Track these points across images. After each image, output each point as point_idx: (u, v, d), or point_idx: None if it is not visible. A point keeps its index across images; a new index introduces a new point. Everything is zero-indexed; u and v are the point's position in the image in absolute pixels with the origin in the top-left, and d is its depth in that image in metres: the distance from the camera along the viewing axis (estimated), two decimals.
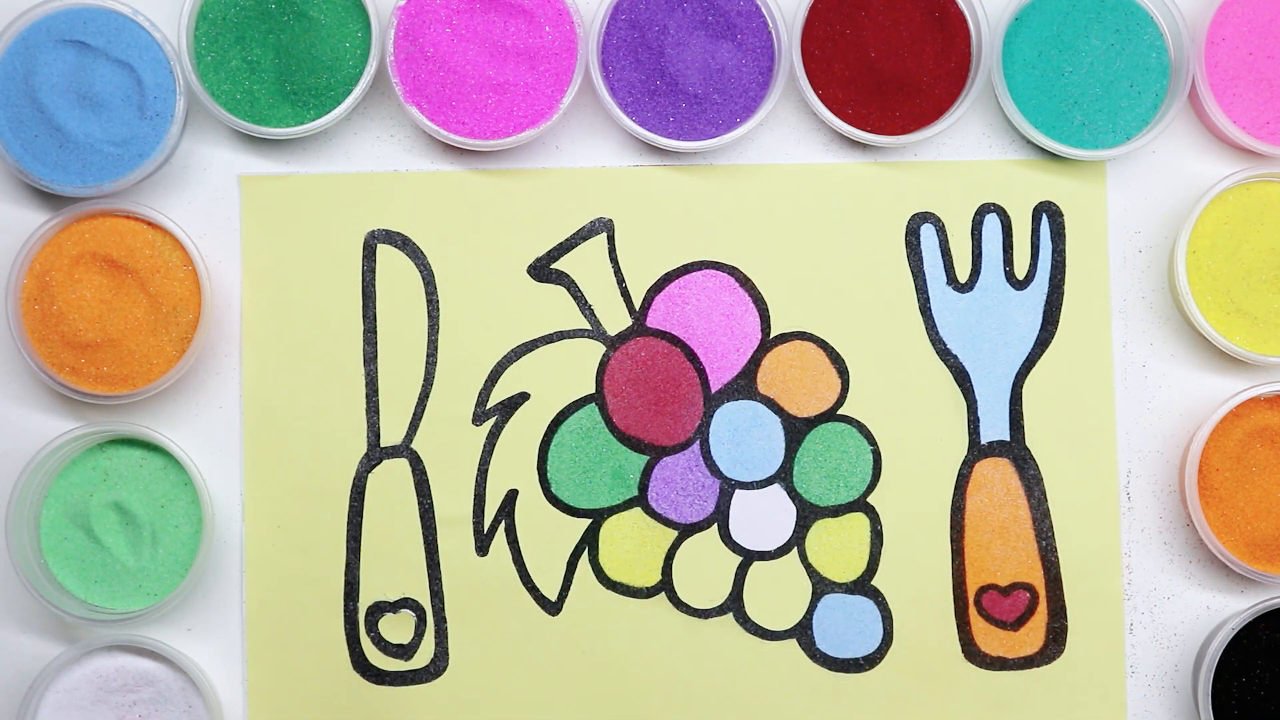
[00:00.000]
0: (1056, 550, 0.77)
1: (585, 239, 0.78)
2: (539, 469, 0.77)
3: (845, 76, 0.76)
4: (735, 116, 0.76)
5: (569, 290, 0.77)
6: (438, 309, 0.77)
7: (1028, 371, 0.77)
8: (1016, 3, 0.76)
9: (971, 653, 0.77)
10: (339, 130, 0.78)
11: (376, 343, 0.77)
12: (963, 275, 0.78)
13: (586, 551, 0.77)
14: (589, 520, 0.77)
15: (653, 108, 0.76)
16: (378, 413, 0.77)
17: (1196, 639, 0.77)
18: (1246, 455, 0.76)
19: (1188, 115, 0.79)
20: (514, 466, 0.77)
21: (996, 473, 0.77)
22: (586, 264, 0.78)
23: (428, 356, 0.77)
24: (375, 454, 0.77)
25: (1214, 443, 0.76)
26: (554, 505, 0.77)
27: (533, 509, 0.77)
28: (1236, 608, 0.77)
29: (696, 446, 0.77)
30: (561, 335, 0.77)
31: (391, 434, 0.77)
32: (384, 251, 0.77)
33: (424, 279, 0.77)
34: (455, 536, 0.77)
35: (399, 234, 0.77)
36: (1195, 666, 0.76)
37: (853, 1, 0.76)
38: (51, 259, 0.75)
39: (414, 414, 0.77)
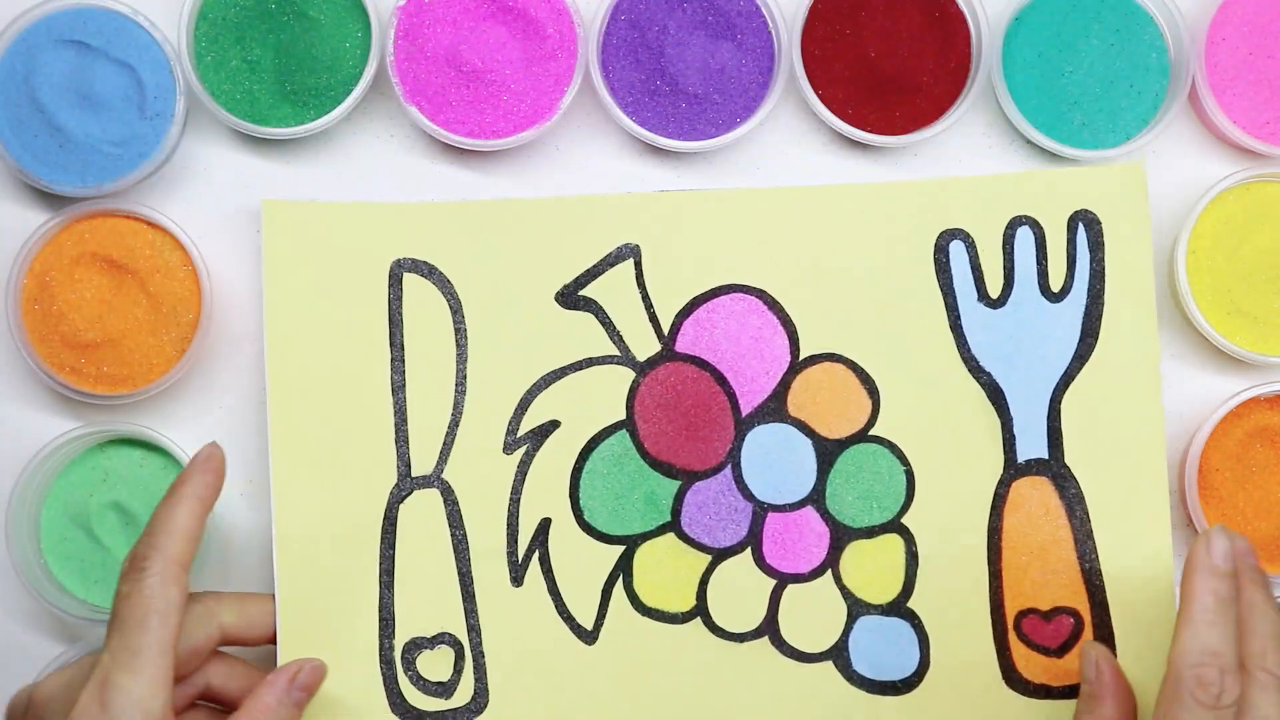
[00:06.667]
0: (1101, 573, 0.75)
1: (612, 265, 0.77)
2: (571, 496, 0.76)
3: (845, 76, 0.76)
4: (735, 116, 0.76)
5: (597, 317, 0.76)
6: (466, 337, 0.76)
7: (1066, 386, 0.76)
8: (1016, 3, 0.76)
9: (1013, 679, 0.75)
10: (339, 130, 0.78)
11: (405, 371, 0.76)
12: (994, 291, 0.76)
13: (621, 578, 0.76)
14: (623, 547, 0.76)
15: (653, 108, 0.76)
16: (407, 443, 0.76)
17: None
18: (1246, 455, 0.76)
19: (1188, 115, 0.79)
20: (546, 495, 0.76)
21: (1035, 492, 0.76)
22: (614, 290, 0.76)
23: (456, 385, 0.76)
24: (406, 484, 0.76)
25: (1214, 443, 0.76)
26: (587, 533, 0.76)
27: (566, 537, 0.76)
28: None
29: (728, 470, 0.76)
30: (590, 362, 0.76)
31: (422, 464, 0.76)
32: (410, 280, 0.76)
33: (451, 307, 0.76)
34: (490, 568, 0.76)
35: (425, 262, 0.76)
36: None
37: (853, 1, 0.76)
38: (51, 259, 0.75)
39: (444, 443, 0.76)
